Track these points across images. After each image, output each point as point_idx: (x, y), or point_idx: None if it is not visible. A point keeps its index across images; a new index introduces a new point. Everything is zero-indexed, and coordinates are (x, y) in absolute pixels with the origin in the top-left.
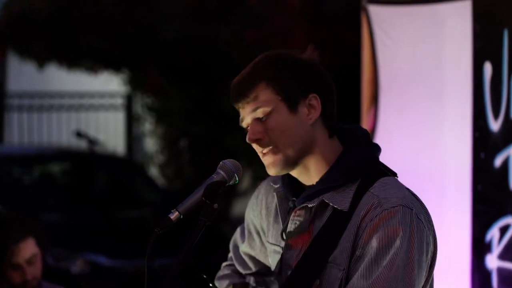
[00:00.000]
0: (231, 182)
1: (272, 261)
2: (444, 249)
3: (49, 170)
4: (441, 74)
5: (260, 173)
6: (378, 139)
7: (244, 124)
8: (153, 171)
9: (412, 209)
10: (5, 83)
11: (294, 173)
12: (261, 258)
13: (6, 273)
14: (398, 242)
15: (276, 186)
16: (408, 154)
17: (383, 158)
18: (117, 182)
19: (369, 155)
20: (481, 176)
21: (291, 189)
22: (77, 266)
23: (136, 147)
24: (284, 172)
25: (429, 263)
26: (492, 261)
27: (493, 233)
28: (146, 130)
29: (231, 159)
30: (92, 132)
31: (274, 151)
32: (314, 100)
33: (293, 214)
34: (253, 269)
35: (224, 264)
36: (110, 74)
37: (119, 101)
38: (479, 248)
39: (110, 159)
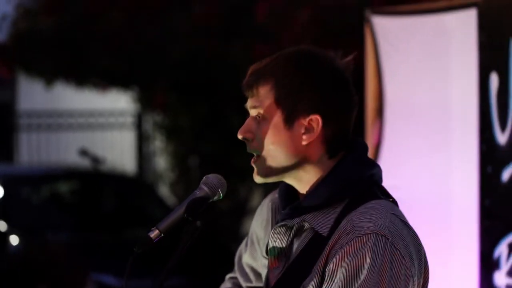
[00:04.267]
0: (214, 198)
1: (263, 276)
2: (452, 266)
3: (57, 190)
4: (447, 86)
5: (272, 190)
6: (383, 153)
7: (249, 112)
8: (164, 190)
9: (387, 238)
10: (14, 102)
11: (286, 180)
12: (262, 271)
13: None
14: (365, 273)
15: (276, 196)
16: (413, 167)
17: (389, 172)
18: (126, 202)
19: (361, 174)
20: (489, 190)
21: (284, 198)
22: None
23: (147, 166)
24: (269, 181)
25: None
26: (501, 278)
27: (502, 249)
28: (157, 149)
29: (215, 174)
30: (102, 151)
31: (260, 160)
32: (314, 123)
33: (272, 231)
34: (254, 282)
35: (228, 276)
36: (119, 92)
37: (129, 119)
38: (487, 265)
39: (119, 178)
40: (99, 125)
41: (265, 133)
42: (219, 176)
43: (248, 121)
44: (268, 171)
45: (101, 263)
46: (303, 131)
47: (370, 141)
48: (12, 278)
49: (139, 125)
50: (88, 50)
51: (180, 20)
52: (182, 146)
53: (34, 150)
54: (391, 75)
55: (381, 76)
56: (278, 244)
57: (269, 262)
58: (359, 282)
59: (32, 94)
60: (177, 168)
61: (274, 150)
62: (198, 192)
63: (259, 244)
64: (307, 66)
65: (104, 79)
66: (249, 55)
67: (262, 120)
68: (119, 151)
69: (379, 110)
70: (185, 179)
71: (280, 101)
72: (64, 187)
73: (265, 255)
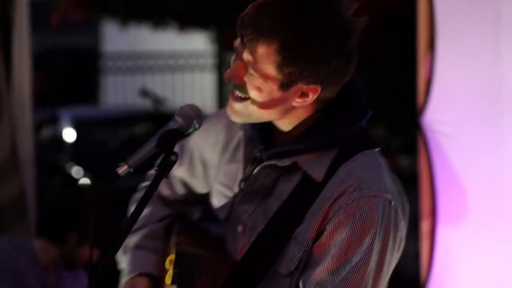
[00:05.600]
0: (190, 130)
1: (216, 202)
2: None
3: (133, 133)
4: (499, 17)
5: None
6: (435, 88)
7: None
8: None
9: (391, 202)
10: (98, 45)
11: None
12: (198, 188)
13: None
14: (371, 239)
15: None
16: (463, 103)
17: (440, 107)
18: None
19: (356, 121)
20: None
21: (260, 134)
22: None
23: None
24: (247, 122)
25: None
26: None
27: None
28: None
29: (191, 104)
30: (182, 93)
31: (242, 103)
32: (312, 91)
33: (258, 168)
34: (177, 195)
35: (143, 184)
36: (197, 32)
37: (209, 60)
38: None
39: None
40: (179, 67)
41: (255, 88)
42: (195, 106)
43: (236, 66)
44: (248, 118)
45: None
46: (298, 95)
47: (421, 74)
48: (47, 223)
49: (219, 66)
50: None
51: None
52: None
53: (117, 92)
54: (442, 6)
55: (433, 7)
56: (259, 181)
57: (243, 196)
58: (365, 247)
59: (116, 38)
60: None
61: (260, 107)
62: (172, 124)
63: (203, 164)
64: (322, 30)
65: (179, 20)
66: None
67: (255, 75)
68: (199, 92)
69: (430, 42)
70: None
71: (282, 68)
72: (141, 130)
73: (224, 182)
